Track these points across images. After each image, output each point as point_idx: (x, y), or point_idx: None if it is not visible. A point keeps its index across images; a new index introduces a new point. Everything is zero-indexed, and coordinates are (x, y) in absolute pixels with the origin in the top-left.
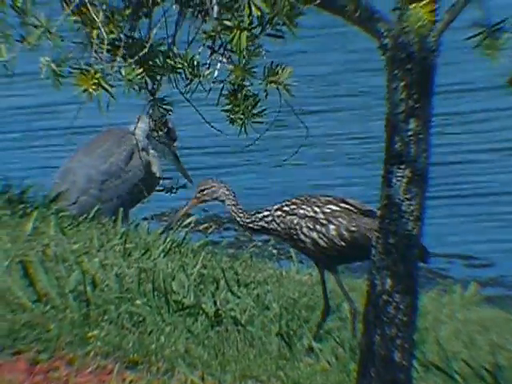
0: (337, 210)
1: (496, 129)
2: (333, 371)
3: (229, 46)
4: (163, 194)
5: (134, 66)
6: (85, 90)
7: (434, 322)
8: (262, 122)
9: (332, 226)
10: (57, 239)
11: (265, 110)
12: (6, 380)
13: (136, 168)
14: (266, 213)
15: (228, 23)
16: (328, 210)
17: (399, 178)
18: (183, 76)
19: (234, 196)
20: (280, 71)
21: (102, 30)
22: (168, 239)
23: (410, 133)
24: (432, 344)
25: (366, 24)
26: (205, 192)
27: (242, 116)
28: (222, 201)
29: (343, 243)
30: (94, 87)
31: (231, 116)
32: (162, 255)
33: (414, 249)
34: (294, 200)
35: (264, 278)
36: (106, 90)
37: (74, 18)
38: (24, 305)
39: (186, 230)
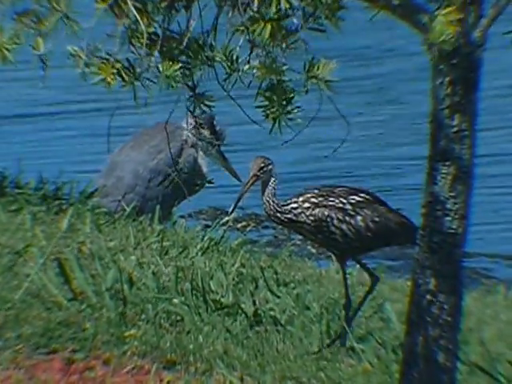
0: (360, 201)
1: None
2: (375, 372)
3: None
4: (201, 192)
5: (171, 62)
6: (103, 80)
7: (478, 322)
8: (293, 119)
9: (359, 217)
10: (93, 236)
11: (299, 106)
12: (41, 380)
13: (184, 166)
14: (294, 205)
15: (255, 15)
16: (353, 201)
17: (444, 176)
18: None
19: (276, 182)
20: (321, 67)
21: (141, 23)
22: (206, 237)
23: (454, 129)
24: (475, 345)
25: (412, 18)
26: (264, 169)
27: (275, 112)
28: (268, 181)
29: (369, 234)
30: (112, 77)
31: (266, 111)
32: (199, 253)
33: (459, 248)
34: (316, 192)
35: (303, 277)
36: (124, 80)
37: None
38: (59, 303)
39: (224, 228)
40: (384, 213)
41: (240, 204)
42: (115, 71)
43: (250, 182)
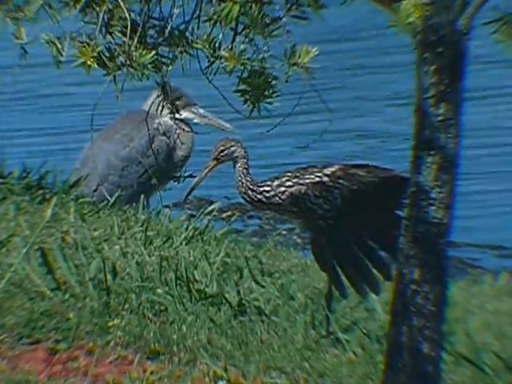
0: (335, 171)
1: None
2: (359, 363)
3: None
4: (185, 182)
5: (146, 50)
6: (83, 63)
7: (464, 312)
8: (270, 103)
9: (336, 190)
10: (76, 226)
11: (276, 91)
12: (25, 370)
13: (156, 153)
14: (266, 188)
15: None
16: (329, 172)
17: (429, 165)
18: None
19: (248, 161)
20: (302, 54)
21: (125, 10)
22: (190, 227)
23: (439, 118)
24: (461, 335)
25: (395, 5)
26: (225, 152)
27: (254, 97)
28: (236, 162)
29: (344, 203)
30: (92, 60)
31: (245, 96)
32: (184, 243)
33: (444, 238)
34: (290, 174)
35: (288, 267)
36: (105, 66)
37: None
38: (43, 293)
39: (209, 217)
40: (362, 178)
41: (198, 188)
42: (95, 55)
43: (211, 165)
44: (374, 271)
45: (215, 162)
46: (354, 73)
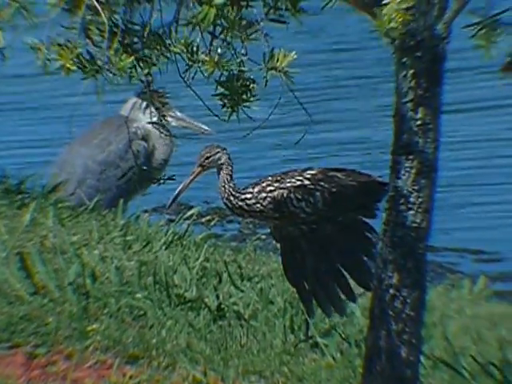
0: (316, 173)
1: None
2: (338, 367)
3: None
4: (164, 186)
5: (125, 54)
6: (62, 66)
7: (442, 317)
8: (248, 107)
9: (318, 193)
10: (55, 230)
11: (255, 95)
12: (3, 374)
13: (135, 157)
14: (248, 195)
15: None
16: (310, 175)
17: (407, 169)
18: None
19: (232, 168)
20: (280, 58)
21: (103, 15)
22: (169, 231)
23: (418, 122)
24: (440, 339)
25: (373, 10)
26: (210, 159)
27: (232, 101)
28: (221, 169)
29: (326, 207)
30: (71, 63)
31: (223, 100)
32: (163, 248)
33: (423, 242)
34: (271, 178)
35: (268, 271)
36: (84, 68)
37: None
38: (21, 297)
39: (188, 222)
40: (341, 181)
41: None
42: (74, 57)
43: (196, 172)
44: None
45: (200, 169)
46: (357, 83)
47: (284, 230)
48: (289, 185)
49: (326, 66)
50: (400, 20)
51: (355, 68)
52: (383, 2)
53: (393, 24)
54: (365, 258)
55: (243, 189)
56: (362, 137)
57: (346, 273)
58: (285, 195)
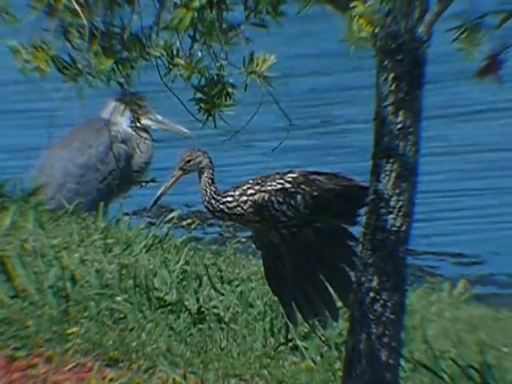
0: (297, 177)
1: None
2: (318, 370)
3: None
4: (145, 189)
5: (104, 57)
6: (36, 68)
7: (422, 320)
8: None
9: (299, 196)
10: (36, 234)
11: (233, 100)
12: None
13: (115, 160)
14: (229, 198)
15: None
16: (291, 178)
17: (388, 173)
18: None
19: (213, 171)
20: (260, 62)
21: (83, 16)
22: (150, 235)
23: (398, 126)
24: (419, 343)
25: (349, 12)
26: (191, 163)
27: (208, 105)
28: (202, 172)
29: (307, 211)
30: (45, 64)
31: (199, 104)
32: (143, 251)
33: (403, 246)
34: (252, 182)
35: (248, 274)
36: (64, 72)
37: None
38: (1, 300)
39: (169, 225)
40: (322, 184)
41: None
42: (49, 59)
43: (176, 175)
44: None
45: (181, 172)
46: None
47: (266, 238)
48: (269, 188)
49: (325, 70)
50: (369, 29)
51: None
52: (351, 5)
53: (363, 34)
54: (346, 269)
55: (224, 192)
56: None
57: (327, 284)
58: (266, 198)
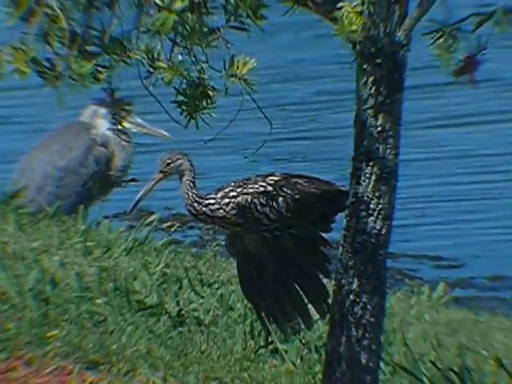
0: (279, 180)
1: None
2: (298, 373)
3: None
4: (125, 192)
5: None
6: (16, 69)
7: (402, 323)
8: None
9: (281, 198)
10: (16, 237)
11: (214, 103)
12: None
13: (95, 163)
14: (211, 201)
15: (158, 2)
16: (272, 181)
17: (368, 176)
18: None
19: (194, 174)
20: (240, 65)
21: (64, 19)
22: (130, 238)
23: (378, 129)
24: (399, 345)
25: (334, 15)
26: (171, 165)
27: (190, 108)
28: (183, 175)
29: (289, 214)
30: (25, 65)
31: (181, 107)
32: (123, 254)
33: (383, 248)
34: (233, 184)
35: (228, 277)
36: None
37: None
38: None
39: (149, 228)
40: (303, 188)
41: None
42: (29, 60)
43: (157, 178)
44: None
45: (161, 175)
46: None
47: (240, 245)
48: (251, 190)
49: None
50: (359, 22)
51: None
52: (338, 6)
53: (353, 27)
54: (320, 276)
55: (206, 195)
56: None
57: (301, 291)
58: (249, 200)
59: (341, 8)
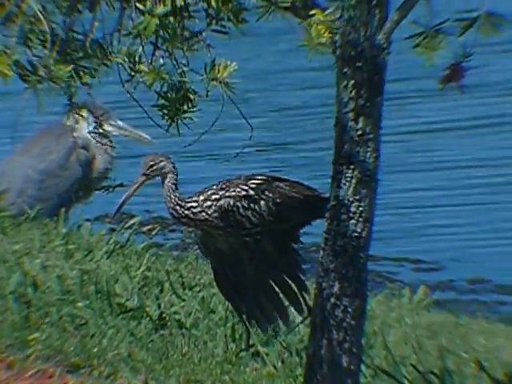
0: (261, 183)
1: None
2: (279, 376)
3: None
4: (106, 195)
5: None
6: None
7: (383, 326)
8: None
9: (262, 202)
10: None
11: (195, 106)
12: None
13: (76, 166)
14: (193, 203)
15: (141, 7)
16: (254, 185)
17: (348, 179)
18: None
19: (176, 177)
20: (221, 69)
21: (45, 23)
22: (111, 241)
23: (359, 132)
24: (380, 348)
25: (308, 21)
26: (154, 168)
27: (171, 112)
28: (165, 178)
29: (271, 218)
30: (8, 68)
31: (163, 111)
32: (104, 257)
33: (364, 251)
34: (215, 187)
35: (209, 280)
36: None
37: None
38: None
39: (130, 231)
40: (285, 192)
41: (126, 205)
42: (12, 63)
43: (140, 181)
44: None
45: (144, 178)
46: None
47: (212, 247)
48: (233, 193)
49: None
50: (328, 35)
51: None
52: (310, 13)
53: (322, 39)
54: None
55: (188, 197)
56: None
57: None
58: (231, 203)
59: (313, 15)
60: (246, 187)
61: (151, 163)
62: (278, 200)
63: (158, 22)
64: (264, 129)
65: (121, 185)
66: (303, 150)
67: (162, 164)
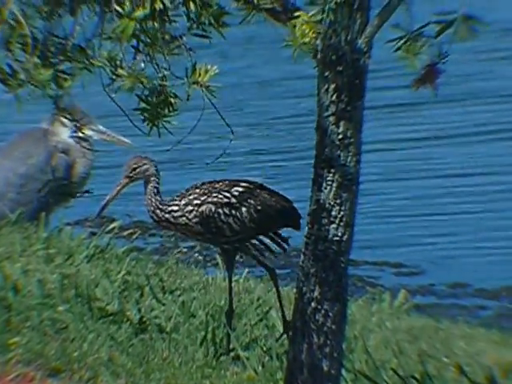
0: (243, 192)
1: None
2: (260, 380)
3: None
4: (87, 199)
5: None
6: None
7: (363, 330)
8: (169, 122)
9: (244, 209)
10: None
11: (176, 110)
12: None
13: (56, 170)
14: (174, 207)
15: (119, 9)
16: (237, 193)
17: (329, 183)
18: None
19: (159, 180)
20: (202, 73)
21: (26, 27)
22: (91, 245)
23: (340, 136)
24: (360, 353)
25: (291, 23)
26: (137, 170)
27: (152, 115)
28: (149, 180)
29: (252, 224)
30: None
31: (144, 114)
32: (85, 261)
33: (344, 256)
34: (198, 191)
35: (190, 284)
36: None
37: None
38: None
39: (110, 235)
40: (265, 200)
41: (109, 207)
42: None
43: (123, 183)
44: None
45: (127, 180)
46: None
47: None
48: (215, 200)
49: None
50: (312, 34)
51: None
52: (294, 15)
53: (306, 39)
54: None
55: (169, 201)
56: None
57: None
58: (213, 210)
59: (297, 17)
60: (228, 194)
61: (134, 166)
62: (258, 207)
63: (138, 25)
64: (259, 137)
65: (88, 191)
66: (297, 158)
67: (145, 167)
